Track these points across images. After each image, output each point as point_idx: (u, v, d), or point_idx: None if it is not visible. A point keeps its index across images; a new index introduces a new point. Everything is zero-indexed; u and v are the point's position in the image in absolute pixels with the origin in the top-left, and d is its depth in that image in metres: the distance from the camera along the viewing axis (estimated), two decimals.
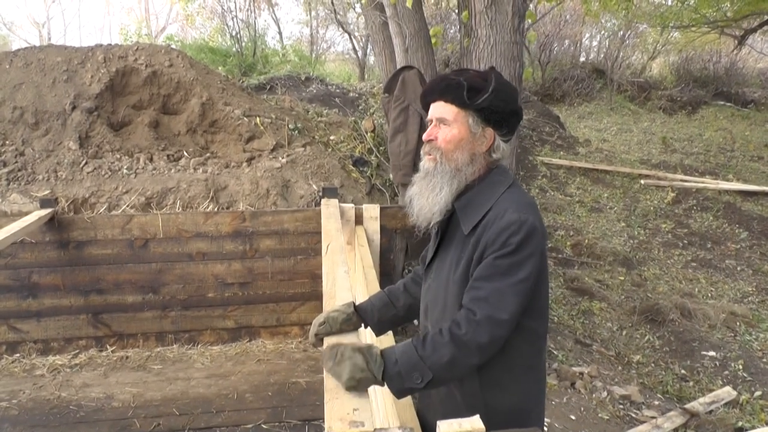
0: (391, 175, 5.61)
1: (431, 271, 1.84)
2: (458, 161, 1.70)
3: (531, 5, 6.11)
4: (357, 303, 2.03)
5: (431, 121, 1.75)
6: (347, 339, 1.82)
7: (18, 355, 4.41)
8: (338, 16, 13.39)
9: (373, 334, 2.04)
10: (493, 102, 1.65)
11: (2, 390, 3.96)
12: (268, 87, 8.80)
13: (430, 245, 1.93)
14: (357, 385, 1.51)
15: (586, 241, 7.33)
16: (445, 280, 1.73)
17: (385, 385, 1.53)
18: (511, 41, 4.37)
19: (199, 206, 4.68)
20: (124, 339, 4.56)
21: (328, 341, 1.83)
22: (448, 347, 1.51)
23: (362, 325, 1.98)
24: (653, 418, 4.00)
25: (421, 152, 1.80)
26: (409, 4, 5.18)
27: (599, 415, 3.96)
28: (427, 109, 1.77)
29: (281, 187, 4.94)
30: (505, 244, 1.56)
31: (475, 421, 1.31)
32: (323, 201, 4.48)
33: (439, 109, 1.72)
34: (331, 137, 6.27)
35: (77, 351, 4.48)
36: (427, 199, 1.73)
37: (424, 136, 1.77)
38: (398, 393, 1.55)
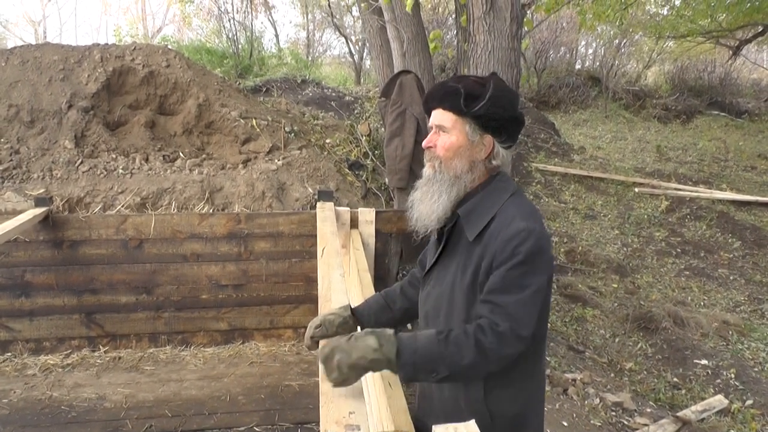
0: (386, 179, 5.62)
1: (431, 278, 1.83)
2: (457, 169, 1.70)
3: (528, 12, 6.14)
4: (353, 306, 2.03)
5: (432, 127, 1.75)
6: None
7: (9, 354, 4.38)
8: (335, 20, 13.42)
9: None
10: (490, 109, 1.65)
11: None
12: (264, 89, 8.81)
13: (429, 250, 1.92)
14: (368, 366, 1.50)
15: (580, 248, 7.35)
16: (450, 287, 1.72)
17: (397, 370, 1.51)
18: (509, 47, 4.39)
19: (194, 207, 4.67)
20: (117, 339, 4.54)
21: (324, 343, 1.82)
22: (471, 352, 1.50)
23: (358, 328, 1.98)
24: (645, 425, 4.01)
25: (423, 159, 1.80)
26: (408, 8, 5.19)
27: (591, 421, 3.97)
28: (429, 115, 1.78)
29: (277, 189, 4.94)
30: (514, 254, 1.55)
31: (471, 426, 1.29)
32: (318, 204, 4.48)
33: (438, 116, 1.73)
34: (327, 140, 6.27)
35: (69, 351, 4.45)
36: (426, 205, 1.73)
37: (424, 143, 1.77)
38: (406, 379, 1.54)
